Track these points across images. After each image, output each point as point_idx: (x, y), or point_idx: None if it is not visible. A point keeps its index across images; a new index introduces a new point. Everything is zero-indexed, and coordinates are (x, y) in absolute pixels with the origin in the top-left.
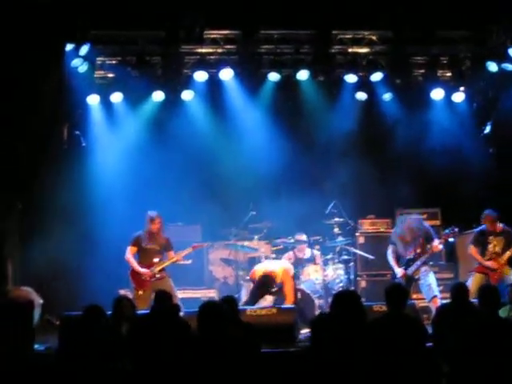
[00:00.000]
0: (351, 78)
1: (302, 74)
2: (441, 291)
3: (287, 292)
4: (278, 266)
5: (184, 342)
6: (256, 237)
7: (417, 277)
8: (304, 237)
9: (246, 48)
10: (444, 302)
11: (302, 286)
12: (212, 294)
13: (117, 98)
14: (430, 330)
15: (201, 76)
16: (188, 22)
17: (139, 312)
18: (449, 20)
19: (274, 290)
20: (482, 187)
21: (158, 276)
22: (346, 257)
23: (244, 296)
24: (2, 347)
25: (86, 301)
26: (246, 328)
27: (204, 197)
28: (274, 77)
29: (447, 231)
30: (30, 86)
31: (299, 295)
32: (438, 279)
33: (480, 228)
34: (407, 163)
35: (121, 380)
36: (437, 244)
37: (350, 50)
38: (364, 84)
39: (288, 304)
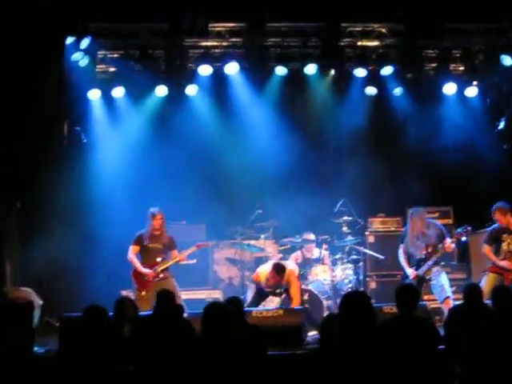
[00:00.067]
0: (360, 72)
1: (310, 68)
2: (453, 292)
3: (293, 293)
4: None
5: (187, 343)
6: (262, 236)
7: (428, 277)
8: (312, 236)
9: (251, 41)
10: (456, 303)
11: (310, 287)
12: (217, 294)
13: (119, 92)
14: (442, 332)
15: (205, 70)
16: (192, 14)
17: (142, 313)
18: (462, 12)
19: (278, 291)
20: (495, 184)
21: (161, 276)
22: (355, 256)
23: (250, 297)
24: (1, 349)
25: (86, 302)
26: (252, 330)
27: (209, 195)
28: (280, 71)
29: (459, 230)
30: (29, 81)
31: (307, 296)
32: (450, 280)
33: (494, 226)
34: (418, 160)
35: (123, 383)
36: (449, 243)
37: (359, 43)
38: (374, 78)
39: (295, 305)
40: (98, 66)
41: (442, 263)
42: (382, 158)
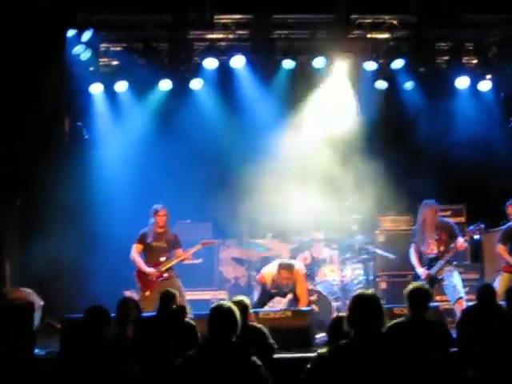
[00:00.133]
0: (371, 66)
1: (319, 62)
2: (466, 292)
3: (300, 293)
4: None
5: (192, 345)
6: (269, 235)
7: (440, 277)
8: (320, 235)
9: (258, 33)
10: (469, 304)
11: (319, 288)
12: (223, 295)
13: (121, 87)
14: (454, 334)
15: (211, 63)
16: (197, 6)
17: (145, 314)
18: (475, 3)
19: (284, 292)
20: (510, 181)
21: (165, 275)
22: (364, 256)
23: (256, 298)
24: (1, 352)
25: (88, 303)
26: (259, 332)
27: (214, 192)
28: (288, 64)
29: (472, 228)
30: (29, 75)
31: (315, 297)
32: (463, 280)
33: (508, 225)
34: (430, 156)
35: None
36: (461, 241)
37: (369, 36)
38: (384, 72)
39: (302, 306)
40: (100, 60)
41: (455, 263)
42: (393, 154)
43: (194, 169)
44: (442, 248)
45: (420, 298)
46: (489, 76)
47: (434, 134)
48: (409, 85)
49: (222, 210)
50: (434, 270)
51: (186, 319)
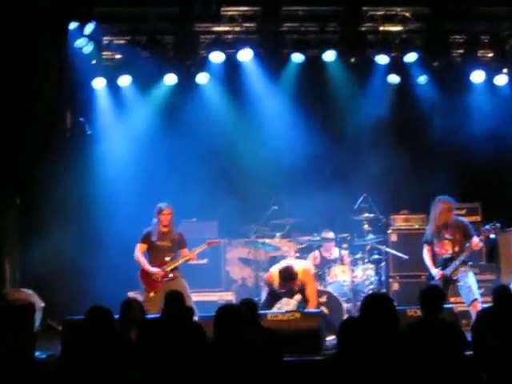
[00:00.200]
0: (383, 59)
1: (329, 55)
2: (481, 294)
3: (310, 294)
4: (297, 266)
5: (198, 348)
6: (278, 234)
7: (455, 278)
8: (331, 234)
9: (266, 26)
10: (485, 305)
11: (329, 289)
12: (229, 296)
13: (125, 81)
14: (469, 336)
15: (217, 57)
16: None
17: (150, 316)
18: None
19: (292, 292)
20: None
21: (170, 276)
22: (376, 256)
23: (263, 299)
24: (1, 355)
25: (90, 304)
26: (267, 334)
27: (221, 190)
28: (297, 58)
29: (488, 227)
30: (29, 69)
31: (325, 298)
32: (478, 281)
33: None
34: (444, 153)
35: None
36: (476, 241)
37: (381, 28)
38: (397, 66)
39: (311, 308)
40: (103, 53)
41: (470, 263)
42: (406, 150)
43: (199, 165)
44: (456, 248)
45: (433, 300)
46: (505, 70)
47: (448, 129)
48: (422, 79)
49: (229, 208)
50: (448, 271)
51: (193, 321)
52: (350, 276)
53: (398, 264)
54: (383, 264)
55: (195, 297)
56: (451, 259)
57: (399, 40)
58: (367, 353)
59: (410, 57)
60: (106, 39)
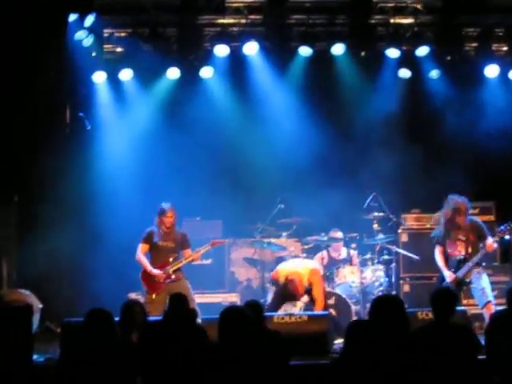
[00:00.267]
0: (393, 53)
1: (337, 49)
2: (495, 296)
3: (316, 295)
4: (304, 266)
5: (202, 351)
6: (284, 234)
7: (468, 280)
8: (339, 234)
9: (273, 18)
10: (499, 308)
11: (337, 290)
12: (234, 298)
13: (126, 75)
14: (482, 340)
15: (222, 50)
16: None
17: (151, 318)
18: None
19: (300, 294)
20: None
21: (173, 277)
22: (386, 257)
23: (269, 301)
24: None
25: (90, 306)
26: (273, 337)
27: (225, 188)
28: (305, 51)
29: (502, 227)
30: (28, 62)
31: (333, 300)
32: (492, 282)
33: None
34: (457, 150)
35: None
36: (491, 242)
37: (392, 21)
38: (408, 59)
39: (318, 309)
40: (103, 46)
41: (483, 264)
42: (417, 147)
43: (203, 163)
44: (469, 249)
45: (445, 302)
46: None
47: (461, 125)
48: (434, 73)
49: (234, 206)
50: (461, 273)
51: (196, 323)
52: (359, 277)
53: (409, 265)
54: (393, 265)
55: (198, 298)
56: (464, 261)
57: (410, 33)
58: (373, 356)
59: (422, 50)
60: (106, 32)
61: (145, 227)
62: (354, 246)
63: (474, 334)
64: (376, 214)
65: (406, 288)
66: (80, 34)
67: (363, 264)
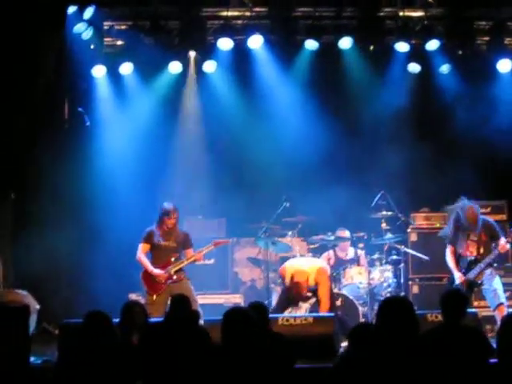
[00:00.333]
0: (402, 47)
1: (345, 42)
2: (507, 298)
3: (322, 296)
4: (311, 265)
5: (204, 354)
6: (290, 233)
7: (480, 281)
8: (346, 233)
9: (278, 11)
10: (511, 310)
11: (344, 291)
12: (237, 299)
13: (127, 69)
14: (494, 343)
15: (225, 44)
16: None
17: (152, 320)
18: None
19: (306, 295)
20: None
21: (174, 278)
22: (395, 257)
23: (275, 302)
24: None
25: (89, 306)
26: (278, 339)
27: (229, 186)
28: (311, 45)
29: None
30: (26, 56)
31: (340, 302)
32: (503, 284)
33: None
34: (468, 147)
35: None
36: (503, 243)
37: (401, 14)
38: (418, 54)
39: (323, 310)
40: (103, 39)
41: (495, 265)
42: (427, 144)
43: (205, 159)
44: (481, 250)
45: (456, 304)
46: None
47: (472, 122)
48: (445, 68)
49: (237, 205)
50: (472, 274)
51: (199, 325)
52: (366, 278)
53: (418, 265)
54: (402, 265)
55: (201, 299)
56: (476, 261)
57: (420, 26)
58: (380, 359)
59: (432, 44)
60: (106, 24)
61: (145, 226)
62: (361, 245)
63: (485, 336)
64: (384, 212)
65: (415, 289)
66: (79, 27)
67: (371, 264)
